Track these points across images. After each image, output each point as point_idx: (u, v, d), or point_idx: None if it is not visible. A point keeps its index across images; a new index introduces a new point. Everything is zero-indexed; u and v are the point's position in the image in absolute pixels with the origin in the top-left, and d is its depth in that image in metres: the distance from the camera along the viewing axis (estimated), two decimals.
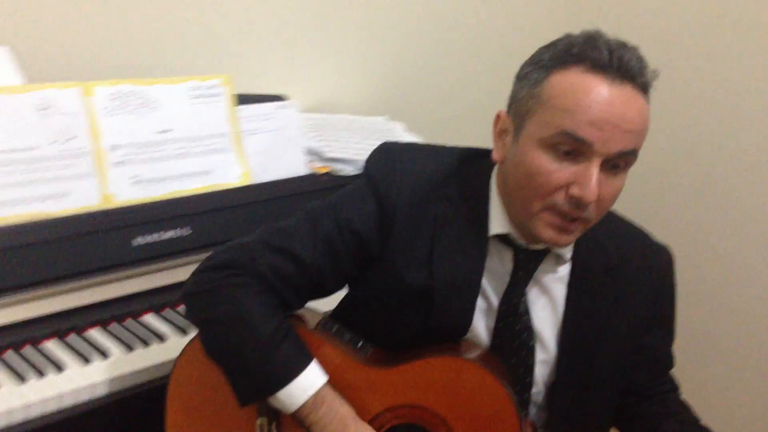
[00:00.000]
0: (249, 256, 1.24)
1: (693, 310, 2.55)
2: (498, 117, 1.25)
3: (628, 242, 1.36)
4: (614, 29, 1.20)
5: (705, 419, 1.35)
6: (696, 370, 2.59)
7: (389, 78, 2.32)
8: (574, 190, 1.14)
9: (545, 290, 1.32)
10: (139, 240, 1.58)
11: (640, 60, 1.15)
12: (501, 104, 1.28)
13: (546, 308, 1.33)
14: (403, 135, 2.09)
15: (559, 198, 1.15)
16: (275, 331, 1.20)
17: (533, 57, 1.20)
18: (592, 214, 1.18)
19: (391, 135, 2.06)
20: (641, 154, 1.19)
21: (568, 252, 1.31)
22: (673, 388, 1.43)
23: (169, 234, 1.61)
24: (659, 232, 1.44)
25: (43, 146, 1.50)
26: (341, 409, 1.21)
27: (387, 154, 1.33)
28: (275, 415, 1.28)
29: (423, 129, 2.16)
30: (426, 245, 1.28)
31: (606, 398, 1.36)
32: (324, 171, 1.88)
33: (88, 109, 1.56)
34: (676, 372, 1.44)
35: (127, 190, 1.60)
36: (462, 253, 1.28)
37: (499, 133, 1.25)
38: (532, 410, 1.37)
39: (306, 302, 1.34)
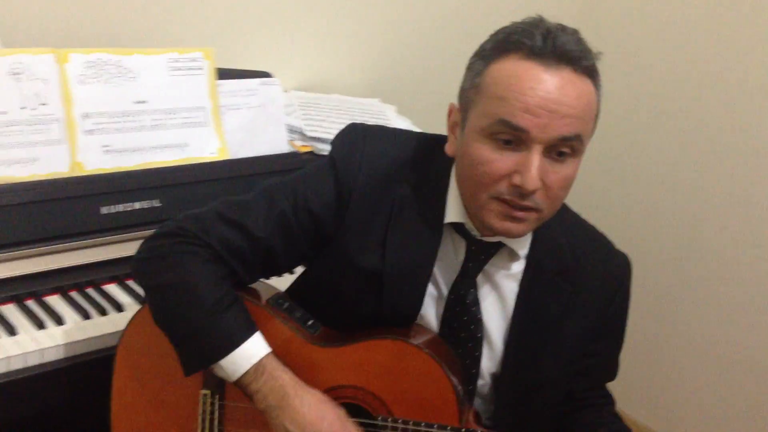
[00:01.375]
0: (201, 226, 1.23)
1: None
2: (450, 110, 1.23)
3: (587, 247, 1.33)
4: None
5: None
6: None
7: (384, 60, 2.28)
8: (516, 179, 1.11)
9: (496, 286, 1.30)
10: (108, 209, 1.57)
11: (580, 43, 1.11)
12: None
13: (496, 304, 1.30)
14: (394, 118, 2.06)
15: (503, 187, 1.13)
16: (220, 299, 1.19)
17: (479, 47, 1.18)
18: (542, 203, 1.14)
19: (381, 117, 2.03)
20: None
21: (521, 248, 1.28)
22: (610, 401, 1.41)
23: (139, 204, 1.60)
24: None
25: (13, 111, 1.50)
26: (282, 378, 1.18)
27: (351, 136, 1.31)
28: (219, 387, 1.27)
29: (415, 113, 2.12)
30: (381, 228, 1.26)
31: (550, 399, 1.34)
32: (306, 150, 1.85)
33: (62, 76, 1.55)
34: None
35: (97, 159, 1.59)
36: (416, 239, 1.26)
37: (452, 127, 1.23)
38: (479, 402, 1.34)
39: (258, 277, 1.32)
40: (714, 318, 2.48)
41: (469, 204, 1.21)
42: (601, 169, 2.72)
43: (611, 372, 1.41)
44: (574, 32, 1.13)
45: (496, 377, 1.32)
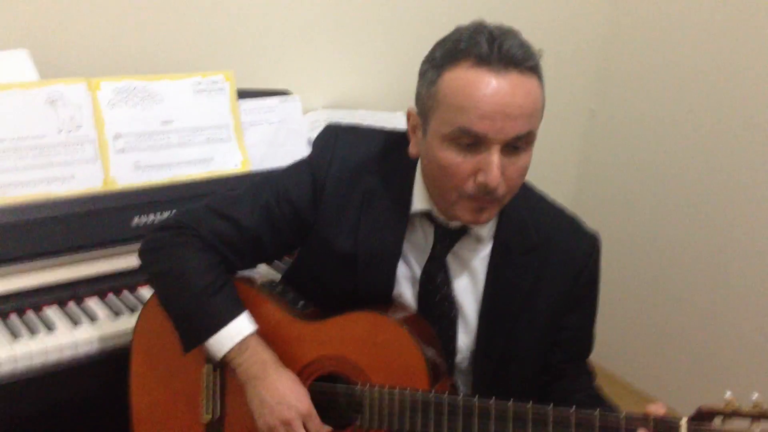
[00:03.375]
0: (194, 219, 1.38)
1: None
2: (409, 114, 1.33)
3: (554, 226, 1.40)
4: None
5: None
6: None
7: (407, 75, 2.38)
8: (480, 178, 1.21)
9: (467, 266, 1.39)
10: (138, 220, 1.73)
11: (522, 45, 1.20)
12: None
13: (467, 284, 1.39)
14: None
15: (470, 187, 1.23)
16: (211, 283, 1.32)
17: (429, 54, 1.27)
18: (503, 192, 1.24)
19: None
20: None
21: (484, 232, 1.37)
22: (587, 372, 1.46)
23: (167, 215, 1.75)
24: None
25: (51, 134, 1.69)
26: (263, 355, 1.31)
27: (327, 135, 1.45)
28: (219, 364, 1.39)
29: None
30: (354, 216, 1.37)
31: (525, 372, 1.40)
32: None
33: (94, 102, 1.74)
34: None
35: (128, 175, 1.76)
36: (385, 225, 1.37)
37: (412, 129, 1.33)
38: (459, 376, 1.42)
39: (249, 264, 1.45)
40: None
41: (438, 200, 1.32)
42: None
43: (585, 345, 1.47)
44: (516, 34, 1.22)
45: (472, 352, 1.39)
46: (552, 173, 1.45)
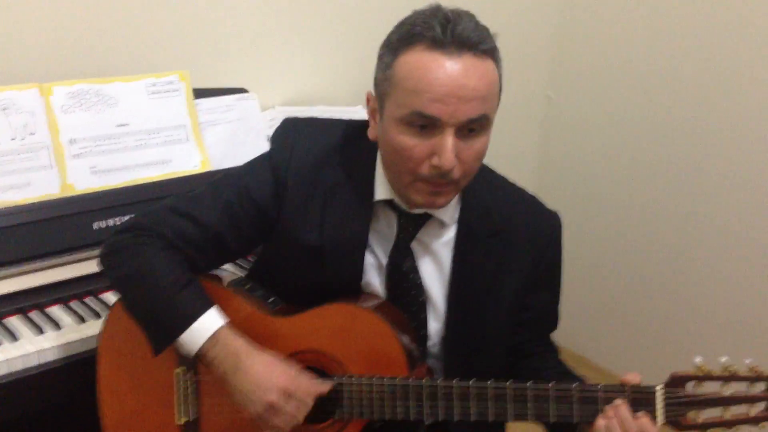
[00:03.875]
0: (154, 220, 1.36)
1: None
2: (368, 97, 1.34)
3: (516, 208, 1.42)
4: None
5: None
6: None
7: (364, 69, 2.39)
8: (435, 161, 1.22)
9: (432, 253, 1.40)
10: (99, 224, 1.71)
11: (477, 28, 1.21)
12: None
13: (434, 269, 1.40)
14: None
15: (425, 169, 1.24)
16: (176, 281, 1.31)
17: (387, 38, 1.28)
18: (459, 176, 1.25)
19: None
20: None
21: (447, 217, 1.38)
22: (553, 349, 1.48)
23: (129, 218, 1.73)
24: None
25: (4, 142, 1.65)
26: (235, 344, 1.29)
27: (285, 130, 1.45)
28: (192, 364, 1.38)
29: None
30: (318, 209, 1.37)
31: (495, 353, 1.42)
32: None
33: (47, 107, 1.71)
34: None
35: (86, 180, 1.73)
36: (350, 216, 1.37)
37: (371, 113, 1.34)
38: (431, 362, 1.43)
39: (214, 263, 1.44)
40: None
41: (393, 183, 1.32)
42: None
43: (551, 322, 1.49)
44: (471, 17, 1.23)
45: (442, 337, 1.40)
46: (512, 160, 1.47)
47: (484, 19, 1.26)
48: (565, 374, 1.38)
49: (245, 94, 1.99)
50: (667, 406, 1.20)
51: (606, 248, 2.96)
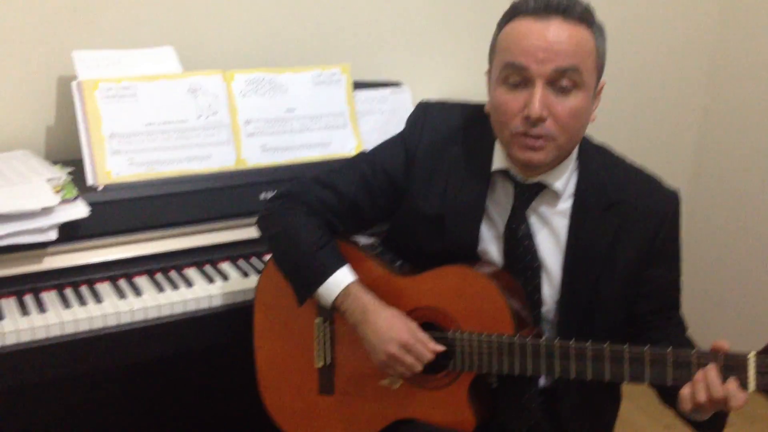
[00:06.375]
0: (301, 189, 1.60)
1: None
2: (487, 73, 1.49)
3: (632, 184, 1.52)
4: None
5: None
6: None
7: None
8: (525, 111, 1.36)
9: (547, 222, 1.52)
10: (266, 195, 1.96)
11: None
12: None
13: (549, 238, 1.52)
14: None
15: (518, 122, 1.39)
16: (316, 241, 1.53)
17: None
18: (554, 131, 1.38)
19: None
20: None
21: (561, 188, 1.49)
22: (678, 323, 1.54)
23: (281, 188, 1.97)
24: None
25: (191, 119, 1.95)
26: (363, 299, 1.49)
27: (418, 112, 1.64)
28: (329, 315, 1.59)
29: None
30: (441, 181, 1.55)
31: (609, 321, 1.50)
32: None
33: (228, 92, 1.99)
34: None
35: (257, 156, 2.00)
36: (469, 187, 1.54)
37: (488, 87, 1.49)
38: (546, 326, 1.55)
39: (351, 228, 1.65)
40: None
41: (504, 146, 1.47)
42: None
43: (672, 298, 1.54)
44: None
45: (557, 302, 1.52)
46: (664, 172, 1.56)
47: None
48: (684, 346, 1.41)
49: (399, 88, 2.20)
50: (760, 373, 1.24)
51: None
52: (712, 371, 1.26)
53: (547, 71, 1.34)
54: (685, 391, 1.29)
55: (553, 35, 1.34)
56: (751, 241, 2.93)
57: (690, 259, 1.61)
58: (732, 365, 1.26)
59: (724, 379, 1.26)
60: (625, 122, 2.80)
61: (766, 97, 2.81)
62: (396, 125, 2.12)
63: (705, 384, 1.26)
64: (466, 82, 2.53)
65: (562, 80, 1.36)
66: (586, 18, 1.37)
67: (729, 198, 3.02)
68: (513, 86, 1.38)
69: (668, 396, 1.41)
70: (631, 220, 1.48)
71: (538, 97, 1.35)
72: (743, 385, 1.26)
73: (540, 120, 1.36)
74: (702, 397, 1.26)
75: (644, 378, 1.33)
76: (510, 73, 1.37)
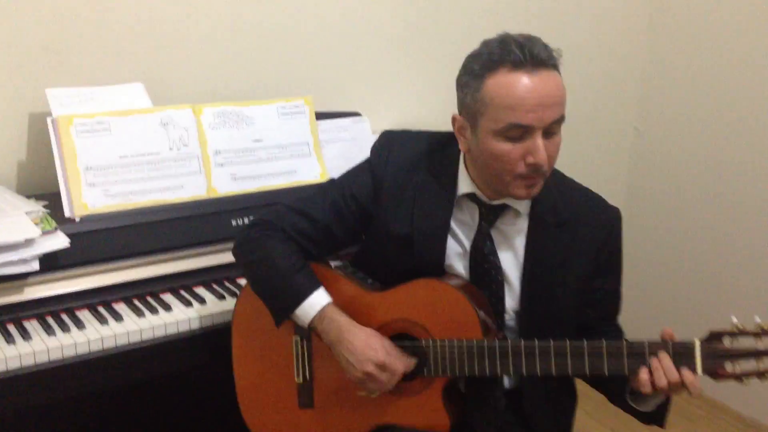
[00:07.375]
0: (276, 217, 1.70)
1: None
2: (454, 119, 1.61)
3: (580, 202, 1.67)
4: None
5: None
6: None
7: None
8: (530, 159, 1.48)
9: (508, 239, 1.65)
10: (237, 221, 2.05)
11: (546, 47, 1.48)
12: None
13: (510, 254, 1.65)
14: None
15: (521, 168, 1.50)
16: (292, 266, 1.62)
17: (466, 68, 1.54)
18: (547, 168, 1.51)
19: None
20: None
21: (522, 208, 1.63)
22: (618, 329, 1.70)
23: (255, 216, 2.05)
24: None
25: (163, 151, 2.03)
26: (339, 320, 1.59)
27: (383, 141, 1.76)
28: (306, 333, 1.68)
29: None
30: (408, 204, 1.67)
31: (564, 329, 1.62)
32: None
33: (198, 124, 2.08)
34: None
35: (227, 184, 2.09)
36: (435, 209, 1.66)
37: (459, 130, 1.60)
38: (508, 334, 1.67)
39: (325, 252, 1.75)
40: None
41: (492, 182, 1.58)
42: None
43: (615, 305, 1.71)
44: (538, 39, 1.49)
45: (517, 312, 1.65)
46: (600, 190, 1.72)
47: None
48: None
49: (359, 117, 2.33)
50: (705, 358, 1.39)
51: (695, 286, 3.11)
52: (665, 358, 1.41)
53: (546, 125, 1.47)
54: (644, 376, 1.42)
55: (547, 91, 1.45)
56: (680, 253, 3.14)
57: (628, 269, 1.77)
58: (680, 352, 1.42)
59: (676, 364, 1.41)
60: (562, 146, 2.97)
61: (694, 118, 3.01)
62: (357, 152, 2.25)
63: (662, 370, 1.40)
64: (419, 112, 2.67)
65: (553, 127, 1.49)
66: (558, 64, 1.50)
67: (661, 213, 3.21)
68: (513, 138, 1.48)
69: (616, 395, 1.57)
70: (580, 236, 1.63)
71: (542, 148, 1.47)
72: (692, 369, 1.41)
73: (544, 166, 1.49)
74: (662, 381, 1.40)
75: (604, 369, 1.47)
76: (514, 130, 1.46)
